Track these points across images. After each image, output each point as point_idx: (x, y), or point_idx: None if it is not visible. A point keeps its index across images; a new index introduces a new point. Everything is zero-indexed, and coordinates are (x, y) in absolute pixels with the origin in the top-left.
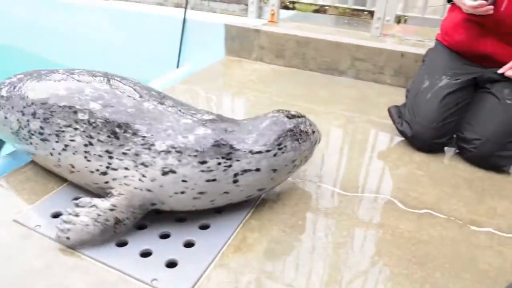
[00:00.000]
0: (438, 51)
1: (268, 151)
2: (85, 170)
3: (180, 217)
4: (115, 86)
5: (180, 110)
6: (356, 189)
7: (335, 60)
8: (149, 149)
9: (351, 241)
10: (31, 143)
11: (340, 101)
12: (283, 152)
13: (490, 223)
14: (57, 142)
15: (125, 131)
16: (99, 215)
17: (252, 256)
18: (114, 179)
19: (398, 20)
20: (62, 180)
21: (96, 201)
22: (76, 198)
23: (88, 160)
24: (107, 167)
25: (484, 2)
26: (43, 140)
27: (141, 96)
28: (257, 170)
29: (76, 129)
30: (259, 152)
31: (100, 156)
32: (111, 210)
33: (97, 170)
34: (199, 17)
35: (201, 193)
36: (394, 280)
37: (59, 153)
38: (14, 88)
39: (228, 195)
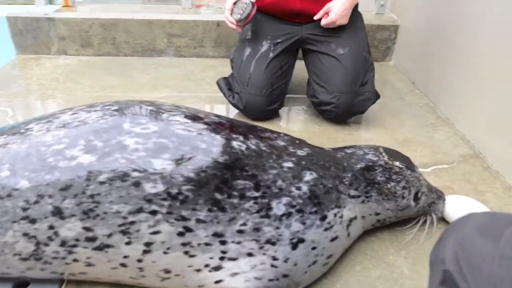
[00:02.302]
0: None
1: (358, 196)
2: (188, 270)
3: None
4: (165, 122)
5: (270, 145)
6: None
7: (150, 40)
8: (268, 216)
9: None
10: (75, 260)
11: (164, 83)
12: (368, 201)
13: None
14: (128, 244)
15: (229, 195)
16: None
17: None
18: (233, 275)
19: None
20: None
21: None
22: None
23: (191, 256)
24: (221, 258)
25: None
26: (99, 249)
27: (222, 130)
28: (355, 218)
29: (154, 212)
30: (354, 196)
31: (207, 244)
32: None
33: (207, 265)
34: None
35: (329, 257)
36: None
37: (140, 260)
38: None
39: (342, 251)
